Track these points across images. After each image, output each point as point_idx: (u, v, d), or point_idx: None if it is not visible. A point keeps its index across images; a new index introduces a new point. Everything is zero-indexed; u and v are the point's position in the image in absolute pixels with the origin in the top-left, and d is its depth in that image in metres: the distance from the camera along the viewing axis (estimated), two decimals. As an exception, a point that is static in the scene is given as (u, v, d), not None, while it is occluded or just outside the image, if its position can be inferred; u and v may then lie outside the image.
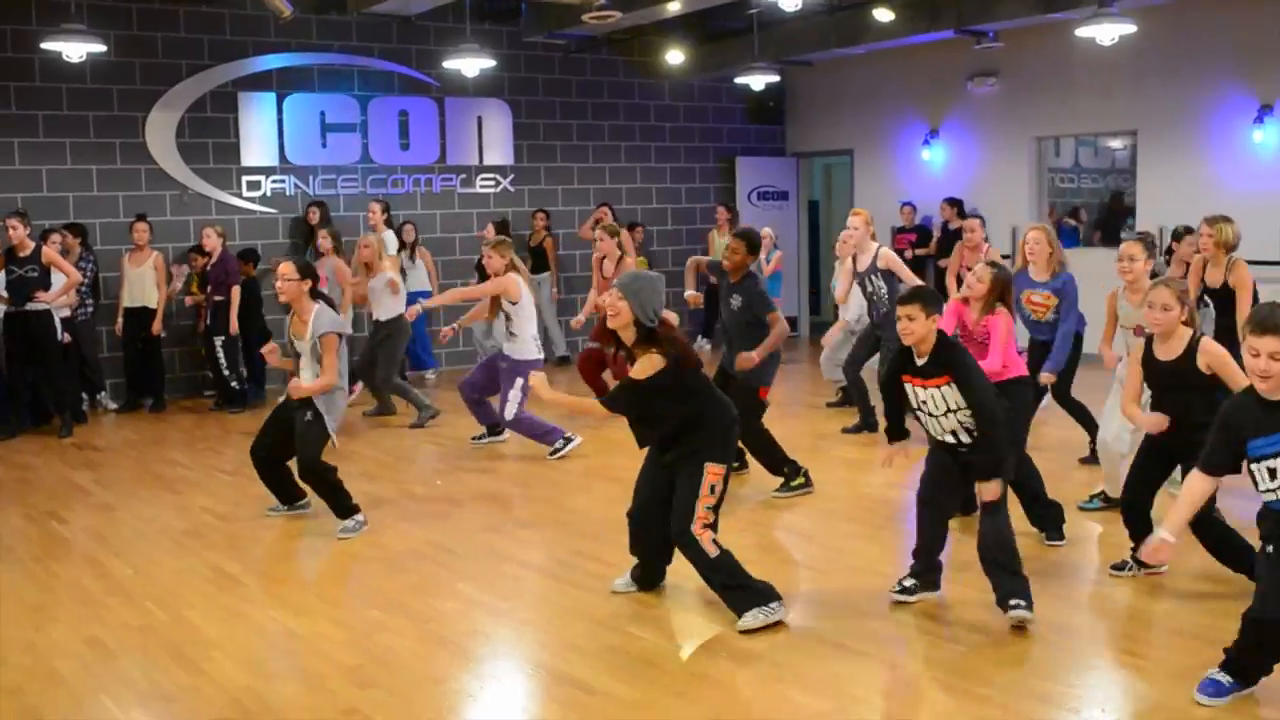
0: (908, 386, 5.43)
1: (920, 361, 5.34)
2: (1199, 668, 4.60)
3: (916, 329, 5.24)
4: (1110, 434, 6.87)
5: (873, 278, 9.12)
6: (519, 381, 8.90)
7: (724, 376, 7.59)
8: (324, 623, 5.61)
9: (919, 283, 8.80)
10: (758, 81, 13.47)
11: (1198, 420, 5.43)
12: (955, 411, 5.31)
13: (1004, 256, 10.59)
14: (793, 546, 6.73)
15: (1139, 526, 5.88)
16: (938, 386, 5.29)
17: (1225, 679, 4.47)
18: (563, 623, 5.56)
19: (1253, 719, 4.35)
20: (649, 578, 5.88)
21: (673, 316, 5.86)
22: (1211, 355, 5.45)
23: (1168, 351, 5.56)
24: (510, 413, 8.98)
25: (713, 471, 5.41)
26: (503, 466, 8.97)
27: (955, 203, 14.08)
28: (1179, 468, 5.88)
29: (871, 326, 9.38)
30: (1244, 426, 4.26)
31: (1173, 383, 5.55)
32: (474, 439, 9.66)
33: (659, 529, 5.58)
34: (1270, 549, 4.31)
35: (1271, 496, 4.31)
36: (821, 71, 15.81)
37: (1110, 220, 15.96)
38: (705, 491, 5.38)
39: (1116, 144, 18.33)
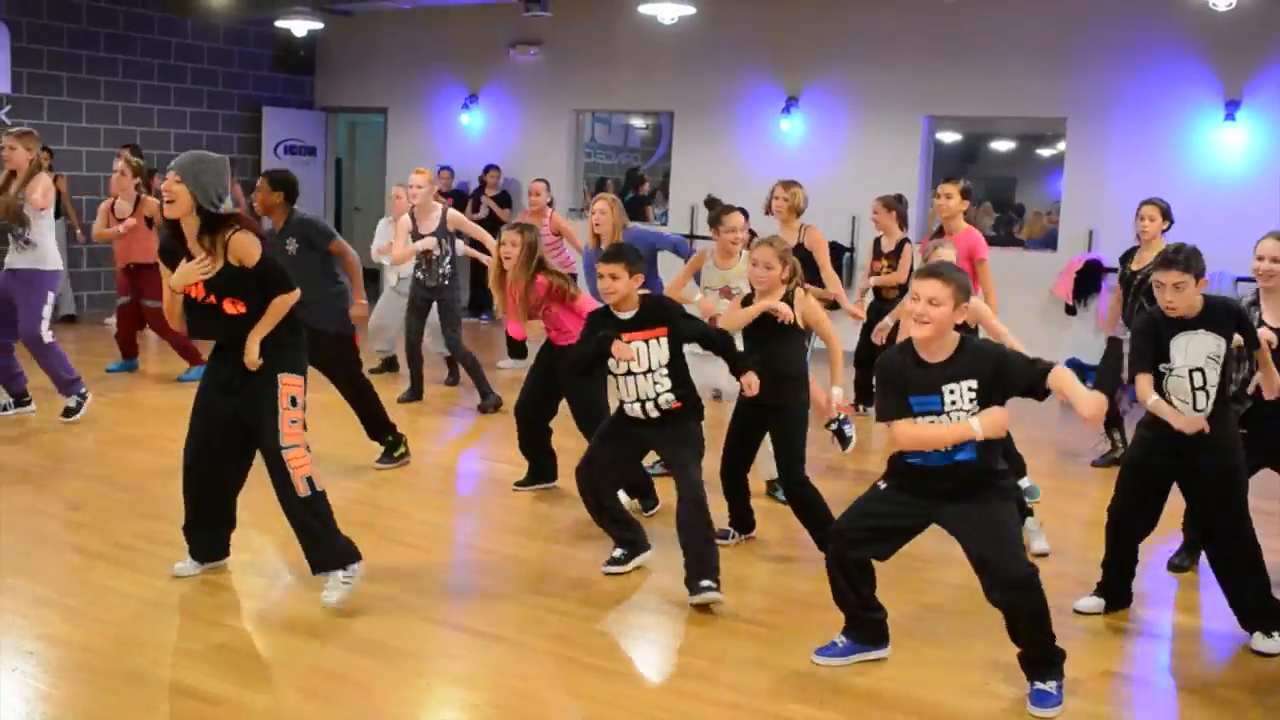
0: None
1: (625, 316, 5.20)
2: (830, 629, 4.71)
3: (620, 288, 5.14)
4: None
5: (443, 240, 8.78)
6: (49, 295, 7.90)
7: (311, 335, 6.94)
8: None
9: (490, 242, 8.51)
10: (300, 27, 12.68)
11: (782, 371, 5.60)
12: (655, 371, 5.18)
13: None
14: (390, 523, 6.22)
15: (737, 492, 6.00)
16: (647, 340, 5.18)
17: (842, 640, 4.64)
18: (153, 620, 4.84)
19: (867, 674, 4.49)
20: (215, 544, 5.27)
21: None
22: (806, 306, 5.64)
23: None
24: (45, 332, 7.86)
25: (288, 382, 4.93)
26: (29, 436, 7.77)
27: (497, 170, 14.01)
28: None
29: (424, 290, 9.00)
30: (905, 381, 4.26)
31: (769, 334, 5.63)
32: None
33: (219, 469, 5.11)
34: (883, 485, 4.44)
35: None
36: (358, 24, 15.14)
37: (632, 196, 16.54)
38: (285, 404, 4.89)
39: (638, 123, 19.06)
